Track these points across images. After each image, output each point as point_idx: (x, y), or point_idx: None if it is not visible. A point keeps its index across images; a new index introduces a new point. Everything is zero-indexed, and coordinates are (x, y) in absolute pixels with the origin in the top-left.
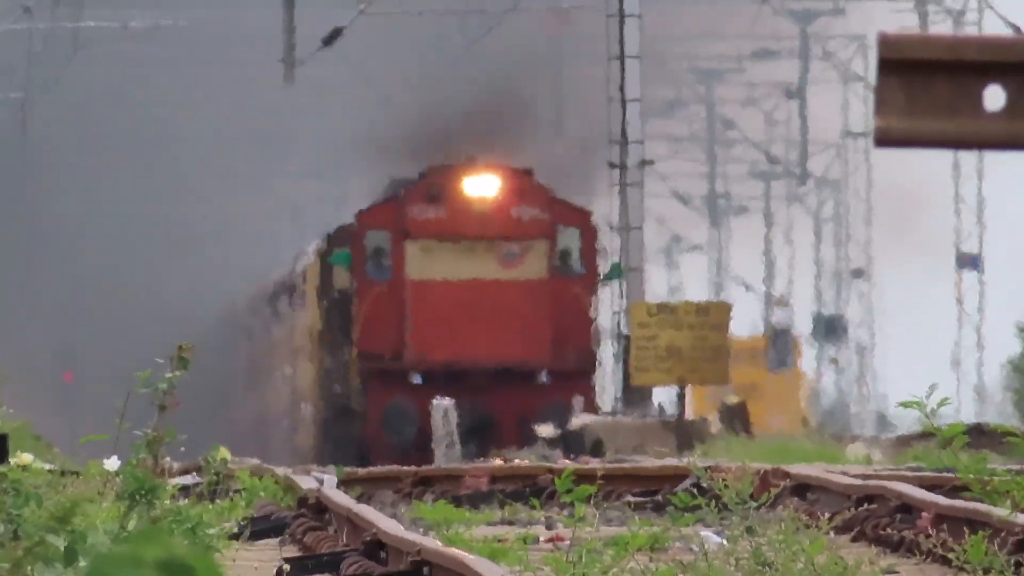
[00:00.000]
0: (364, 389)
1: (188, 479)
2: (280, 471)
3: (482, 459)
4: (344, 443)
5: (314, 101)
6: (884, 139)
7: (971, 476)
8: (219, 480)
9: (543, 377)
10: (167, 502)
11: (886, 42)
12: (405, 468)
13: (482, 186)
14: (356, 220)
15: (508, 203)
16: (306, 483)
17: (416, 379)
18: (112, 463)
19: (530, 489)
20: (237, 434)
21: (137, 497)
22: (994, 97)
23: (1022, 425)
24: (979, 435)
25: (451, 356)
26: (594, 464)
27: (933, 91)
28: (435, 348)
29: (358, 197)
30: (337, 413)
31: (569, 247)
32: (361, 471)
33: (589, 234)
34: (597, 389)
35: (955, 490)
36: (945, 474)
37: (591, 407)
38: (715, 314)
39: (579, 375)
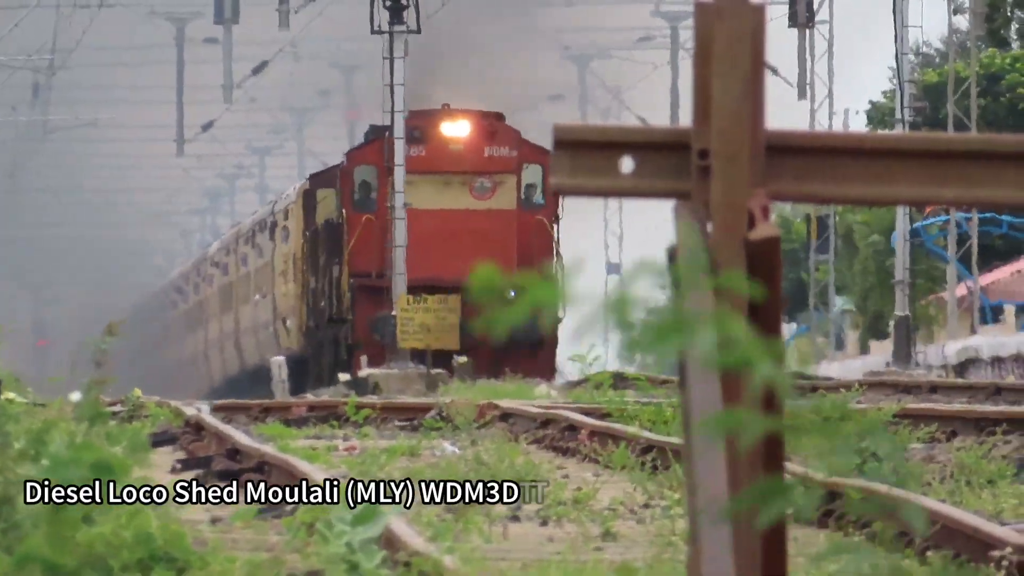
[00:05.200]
0: (353, 302)
1: (115, 408)
2: (174, 403)
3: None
4: (329, 345)
5: (197, 164)
6: (560, 189)
7: (613, 406)
8: (134, 410)
9: (511, 293)
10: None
11: (559, 128)
12: (254, 401)
13: (457, 128)
14: (345, 157)
15: (481, 143)
16: (190, 411)
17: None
18: (75, 396)
19: (333, 415)
20: (161, 376)
21: (94, 420)
22: (626, 163)
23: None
24: (621, 380)
25: (430, 274)
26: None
27: (588, 160)
28: (417, 267)
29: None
30: (325, 322)
31: (534, 182)
32: (222, 403)
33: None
34: None
35: (603, 416)
36: (597, 405)
37: (553, 316)
38: (450, 302)
39: None
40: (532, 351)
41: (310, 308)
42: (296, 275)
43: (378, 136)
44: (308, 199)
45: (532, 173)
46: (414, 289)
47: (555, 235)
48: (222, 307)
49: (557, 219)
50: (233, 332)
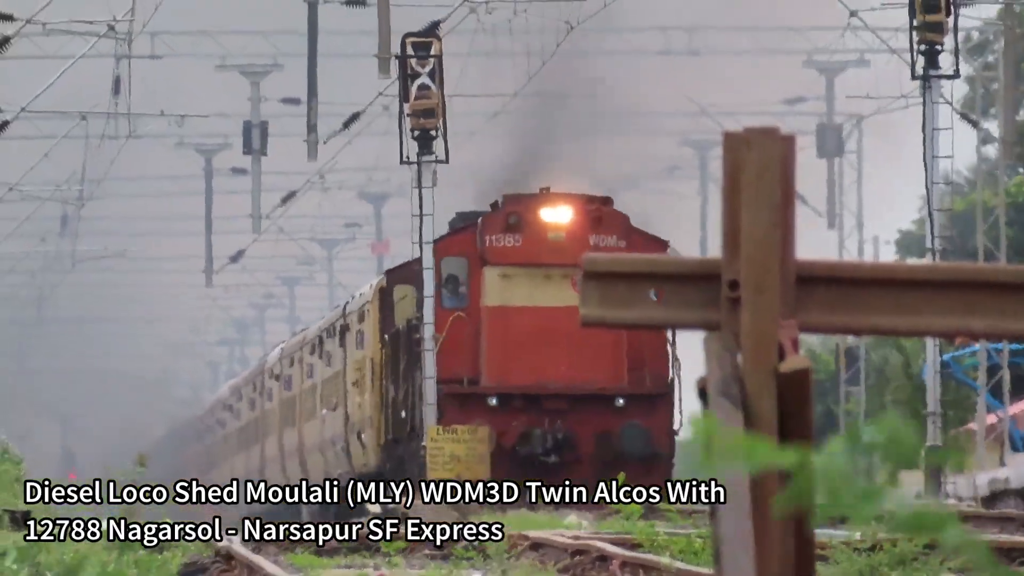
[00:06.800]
0: (441, 412)
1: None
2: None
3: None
4: (412, 460)
5: (225, 295)
6: (588, 321)
7: (644, 537)
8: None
9: (620, 401)
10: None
11: (588, 260)
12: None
13: (558, 214)
14: (433, 247)
15: (585, 231)
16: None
17: (492, 402)
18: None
19: (364, 545)
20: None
21: (123, 549)
22: (655, 295)
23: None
24: (652, 510)
25: (527, 381)
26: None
27: (617, 291)
28: (511, 373)
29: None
30: (406, 434)
31: None
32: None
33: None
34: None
35: (634, 546)
36: (628, 536)
37: (668, 429)
38: (480, 433)
39: (656, 398)
40: (646, 466)
41: (389, 420)
42: (373, 383)
43: (467, 224)
44: (385, 297)
45: None
46: (508, 399)
47: (670, 337)
48: (283, 422)
49: None
50: (297, 449)
